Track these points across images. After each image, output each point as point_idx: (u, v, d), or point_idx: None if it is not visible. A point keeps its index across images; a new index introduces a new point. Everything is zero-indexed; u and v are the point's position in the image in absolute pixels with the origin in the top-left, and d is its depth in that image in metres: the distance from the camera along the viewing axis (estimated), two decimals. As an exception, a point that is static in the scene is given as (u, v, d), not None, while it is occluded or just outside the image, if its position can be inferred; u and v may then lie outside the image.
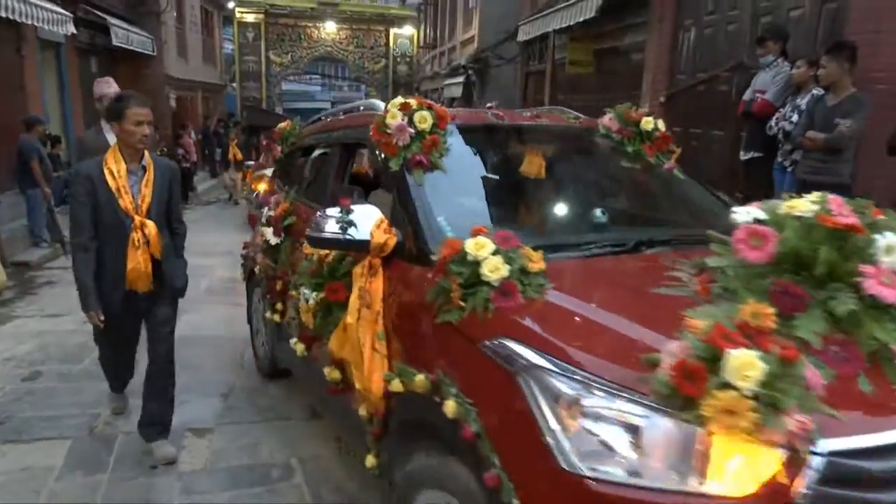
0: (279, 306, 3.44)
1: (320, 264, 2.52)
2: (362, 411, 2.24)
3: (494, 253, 1.78)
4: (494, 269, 1.75)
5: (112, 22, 12.00)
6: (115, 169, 2.82)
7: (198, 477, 2.96)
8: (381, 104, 2.94)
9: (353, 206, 2.19)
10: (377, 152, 2.52)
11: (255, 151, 14.64)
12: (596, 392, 1.44)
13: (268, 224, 3.50)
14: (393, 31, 27.13)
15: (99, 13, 11.78)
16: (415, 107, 2.46)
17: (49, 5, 8.66)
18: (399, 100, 2.50)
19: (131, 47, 12.95)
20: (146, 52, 13.94)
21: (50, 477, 2.91)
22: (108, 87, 4.12)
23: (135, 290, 2.90)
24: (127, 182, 2.85)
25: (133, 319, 3.11)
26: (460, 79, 16.20)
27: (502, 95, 14.16)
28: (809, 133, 4.13)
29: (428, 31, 23.81)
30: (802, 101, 4.46)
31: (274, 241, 3.41)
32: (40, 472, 2.95)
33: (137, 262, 2.84)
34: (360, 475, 2.99)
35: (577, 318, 1.73)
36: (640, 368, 1.40)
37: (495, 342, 1.66)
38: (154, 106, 13.87)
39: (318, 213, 2.22)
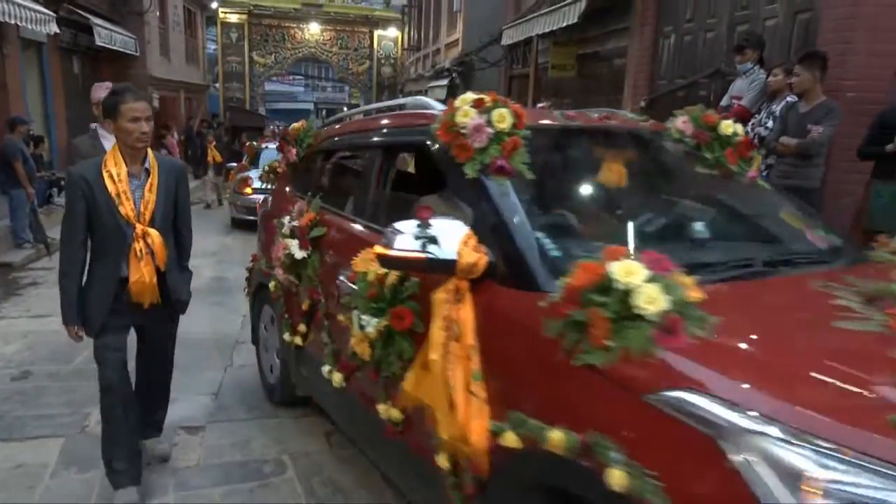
0: (302, 328, 3.12)
1: (379, 286, 2.15)
2: (443, 462, 1.89)
3: (649, 280, 1.42)
4: (652, 300, 1.39)
5: (95, 22, 11.95)
6: (115, 172, 2.56)
7: (191, 473, 3.03)
8: (436, 103, 2.69)
9: (432, 220, 1.85)
10: (444, 156, 2.18)
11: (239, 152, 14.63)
12: (847, 466, 1.11)
13: (292, 235, 3.04)
14: (377, 32, 27.21)
15: (82, 13, 11.73)
16: (490, 103, 2.14)
17: (32, 4, 8.63)
18: (470, 95, 2.20)
19: (114, 47, 12.90)
20: (129, 52, 13.88)
21: (44, 474, 2.95)
22: (106, 92, 4.01)
23: (139, 304, 2.67)
24: (128, 186, 2.59)
25: (122, 335, 2.77)
26: (444, 81, 16.33)
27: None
28: (783, 138, 4.29)
29: (412, 33, 23.92)
30: (777, 108, 4.62)
31: (300, 254, 2.97)
32: (34, 469, 2.99)
33: (141, 274, 2.60)
34: (352, 469, 3.09)
35: (768, 363, 1.40)
36: (889, 433, 1.13)
37: (671, 394, 1.31)
38: None
39: (389, 228, 1.89)
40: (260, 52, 26.32)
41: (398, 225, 1.87)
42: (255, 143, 8.87)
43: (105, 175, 2.56)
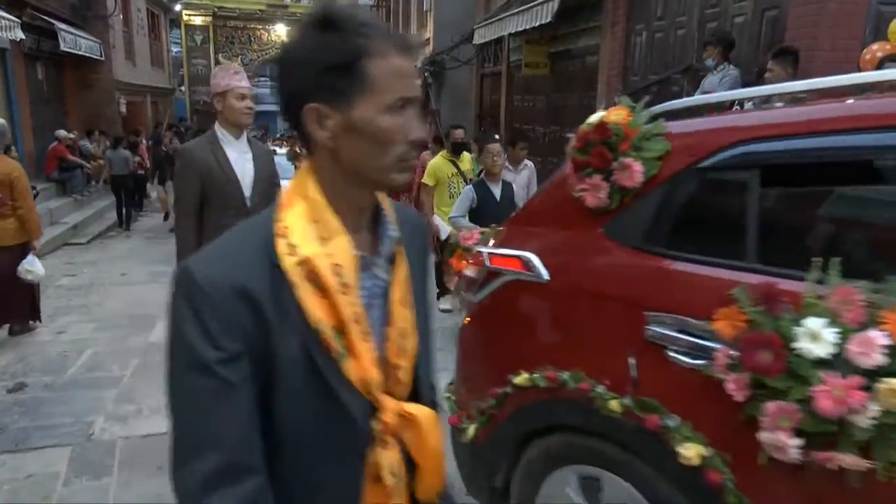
0: None
1: None
2: None
3: None
4: None
5: (60, 27, 11.72)
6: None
7: (204, 475, 3.07)
8: None
9: None
10: None
11: None
12: None
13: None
14: (344, 32, 27.14)
15: (46, 18, 11.49)
16: None
17: (-3, 11, 8.46)
18: None
19: (79, 52, 12.67)
20: (94, 56, 13.64)
21: (56, 483, 2.97)
22: (231, 77, 2.88)
23: None
24: None
25: None
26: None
27: (459, 97, 14.43)
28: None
29: (380, 32, 23.90)
30: (751, 102, 4.83)
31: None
32: (46, 478, 3.01)
33: None
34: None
35: None
36: None
37: None
38: (105, 112, 13.64)
39: None
40: (226, 55, 26.02)
41: None
42: None
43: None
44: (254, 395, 0.86)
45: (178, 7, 23.97)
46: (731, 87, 5.20)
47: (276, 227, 0.88)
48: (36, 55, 12.13)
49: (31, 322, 5.16)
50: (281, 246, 0.86)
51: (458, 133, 6.24)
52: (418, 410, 0.96)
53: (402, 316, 0.97)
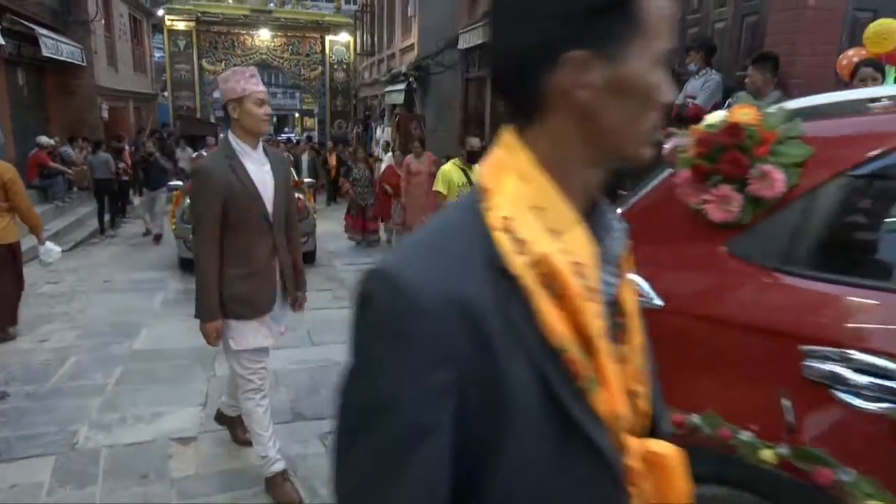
0: None
1: None
2: None
3: None
4: None
5: (40, 32, 11.61)
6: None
7: (191, 482, 3.05)
8: None
9: None
10: None
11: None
12: None
13: None
14: (328, 38, 27.04)
15: (26, 23, 11.37)
16: None
17: (-23, 17, 8.36)
18: None
19: (60, 57, 12.55)
20: (76, 62, 13.53)
21: (40, 493, 2.94)
22: (247, 81, 2.68)
23: None
24: None
25: None
26: (401, 86, 16.40)
27: (443, 102, 14.46)
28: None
29: (365, 38, 23.92)
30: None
31: None
32: (30, 488, 2.97)
33: None
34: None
35: None
36: None
37: None
38: (87, 118, 13.37)
39: None
40: (209, 60, 25.82)
41: None
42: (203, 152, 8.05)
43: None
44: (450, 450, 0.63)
45: (160, 12, 23.79)
46: (713, 92, 5.29)
47: (491, 218, 0.66)
48: (16, 61, 12.00)
49: (10, 329, 5.10)
50: (504, 242, 0.64)
51: (474, 141, 6.04)
52: (664, 448, 0.74)
53: (639, 329, 0.77)
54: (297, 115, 46.59)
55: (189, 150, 13.74)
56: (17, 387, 4.18)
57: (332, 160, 14.89)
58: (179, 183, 8.66)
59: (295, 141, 21.31)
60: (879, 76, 4.15)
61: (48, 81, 13.89)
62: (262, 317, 2.81)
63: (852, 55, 4.28)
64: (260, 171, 2.72)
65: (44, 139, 11.47)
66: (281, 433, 3.54)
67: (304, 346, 5.00)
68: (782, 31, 5.14)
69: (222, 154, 2.70)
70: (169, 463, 3.22)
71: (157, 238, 9.92)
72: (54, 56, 12.18)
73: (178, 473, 3.13)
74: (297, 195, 7.10)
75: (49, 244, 5.23)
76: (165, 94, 25.76)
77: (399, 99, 16.63)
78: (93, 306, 6.18)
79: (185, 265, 7.12)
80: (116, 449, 3.36)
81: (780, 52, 4.82)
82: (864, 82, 4.16)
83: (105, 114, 15.77)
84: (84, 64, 14.11)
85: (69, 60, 13.11)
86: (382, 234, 9.77)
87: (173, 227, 7.87)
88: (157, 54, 26.22)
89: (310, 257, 7.68)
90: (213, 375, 4.41)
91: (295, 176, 7.88)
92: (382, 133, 17.62)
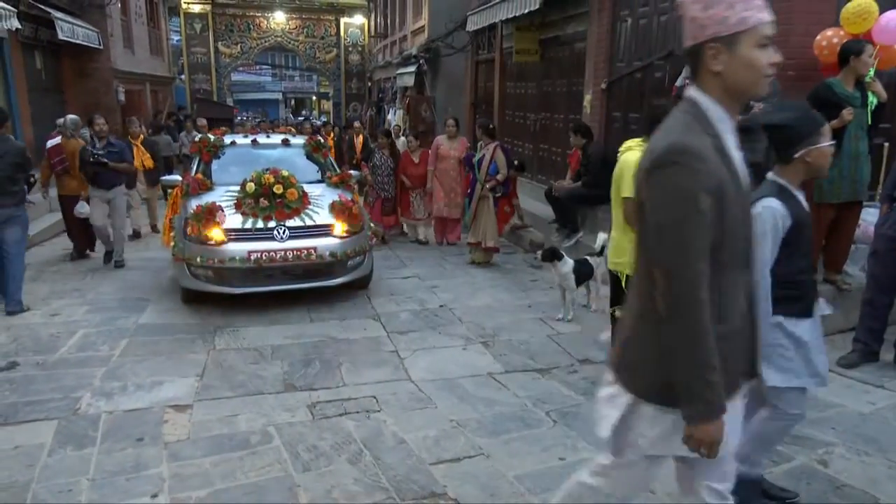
0: None
1: None
2: None
3: None
4: None
5: (57, 16, 11.80)
6: None
7: (183, 446, 3.22)
8: None
9: None
10: None
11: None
12: None
13: None
14: (343, 20, 27.07)
15: (43, 7, 11.57)
16: None
17: (-7, 1, 8.56)
18: None
19: (77, 41, 12.75)
20: (92, 45, 13.72)
21: (42, 453, 3.13)
22: (747, 4, 1.55)
23: None
24: None
25: None
26: (412, 68, 16.42)
27: (453, 84, 14.47)
28: (729, 117, 4.58)
29: (378, 20, 23.89)
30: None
31: None
32: (32, 449, 3.16)
33: None
34: (332, 436, 3.32)
35: None
36: None
37: None
38: (103, 101, 13.14)
39: None
40: (225, 43, 26.04)
41: None
42: (209, 135, 6.74)
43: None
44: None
45: (176, -5, 24.01)
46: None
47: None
48: (33, 44, 12.23)
49: (88, 251, 7.39)
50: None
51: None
52: None
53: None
54: (314, 97, 46.74)
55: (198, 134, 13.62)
56: (27, 357, 4.40)
57: (360, 142, 11.44)
58: (176, 177, 6.55)
59: (320, 124, 20.95)
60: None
61: (65, 65, 14.13)
62: (735, 395, 1.69)
63: (831, 36, 4.27)
64: (739, 158, 1.62)
65: (61, 120, 11.69)
66: (271, 402, 3.73)
67: (303, 323, 5.16)
68: (779, 10, 5.09)
69: (701, 128, 1.55)
70: (163, 428, 3.40)
71: (118, 264, 7.03)
72: (70, 39, 12.38)
73: (172, 438, 3.30)
74: (345, 195, 5.99)
75: (85, 204, 6.96)
76: (182, 77, 26.02)
77: (410, 81, 16.66)
78: (105, 282, 6.39)
79: (191, 296, 5.46)
80: (116, 415, 3.55)
81: (776, 30, 4.82)
82: (872, 58, 4.17)
83: (122, 97, 16.00)
84: (100, 47, 14.31)
85: (85, 44, 13.31)
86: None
87: (171, 243, 5.67)
88: (175, 38, 26.43)
89: (365, 281, 6.01)
90: (213, 349, 4.59)
91: (335, 167, 7.04)
92: (394, 116, 17.69)
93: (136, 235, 8.72)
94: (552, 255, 5.15)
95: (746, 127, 4.51)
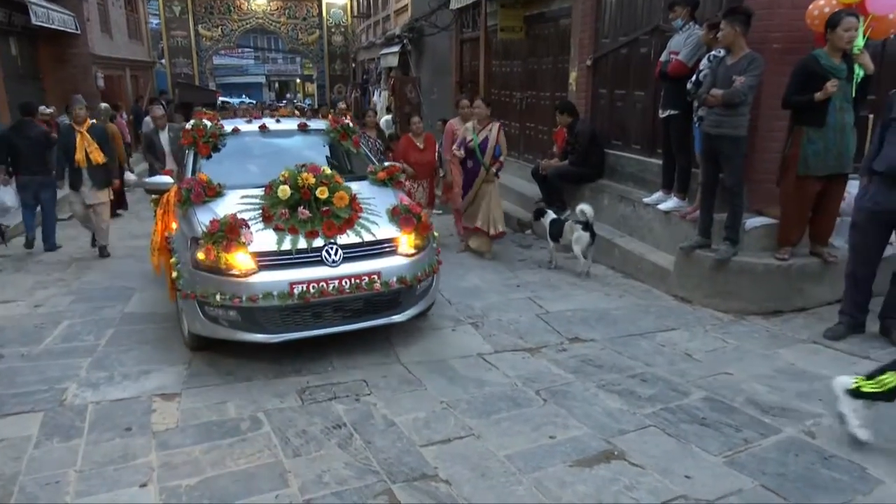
0: None
1: None
2: None
3: None
4: None
5: (30, 0, 11.52)
6: None
7: (172, 434, 3.20)
8: None
9: None
10: None
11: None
12: None
13: None
14: (325, 0, 26.68)
15: (15, -9, 11.30)
16: None
17: (-37, -14, 8.33)
18: None
19: (53, 26, 12.48)
20: (69, 30, 13.45)
21: (28, 445, 3.09)
22: None
23: None
24: None
25: None
26: (396, 48, 16.24)
27: (439, 64, 14.33)
28: (712, 90, 4.56)
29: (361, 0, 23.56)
30: (703, 62, 4.91)
31: None
32: (18, 441, 3.12)
33: None
34: (322, 421, 3.31)
35: None
36: None
37: None
38: (83, 87, 13.03)
39: None
40: (206, 25, 25.62)
41: None
42: (205, 121, 5.03)
43: None
44: None
45: (154, -23, 23.54)
46: (696, 47, 5.26)
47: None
48: (7, 30, 11.97)
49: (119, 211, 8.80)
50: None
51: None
52: None
53: None
54: (298, 80, 46.21)
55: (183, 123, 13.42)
56: (12, 348, 4.34)
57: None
58: (164, 179, 5.04)
59: (305, 106, 20.64)
60: (858, 26, 4.13)
61: (42, 51, 13.84)
62: None
63: (823, 5, 4.24)
64: None
65: (41, 108, 11.48)
66: (261, 389, 3.71)
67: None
68: (764, -17, 5.07)
69: None
70: (151, 417, 3.37)
71: (102, 252, 7.02)
72: (45, 24, 12.12)
73: (160, 426, 3.28)
74: (403, 196, 4.67)
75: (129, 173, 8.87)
76: (163, 61, 25.61)
77: (394, 62, 16.49)
78: (89, 272, 6.31)
79: (201, 343, 4.15)
80: (103, 405, 3.51)
81: (760, 6, 4.78)
82: (849, 32, 4.15)
83: (101, 82, 15.74)
84: (78, 32, 14.03)
85: (62, 28, 13.04)
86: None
87: (171, 273, 4.18)
88: (153, 21, 25.97)
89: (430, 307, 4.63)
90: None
91: (372, 159, 5.46)
92: (380, 97, 17.51)
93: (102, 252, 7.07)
94: (539, 214, 6.36)
95: (731, 102, 4.51)
